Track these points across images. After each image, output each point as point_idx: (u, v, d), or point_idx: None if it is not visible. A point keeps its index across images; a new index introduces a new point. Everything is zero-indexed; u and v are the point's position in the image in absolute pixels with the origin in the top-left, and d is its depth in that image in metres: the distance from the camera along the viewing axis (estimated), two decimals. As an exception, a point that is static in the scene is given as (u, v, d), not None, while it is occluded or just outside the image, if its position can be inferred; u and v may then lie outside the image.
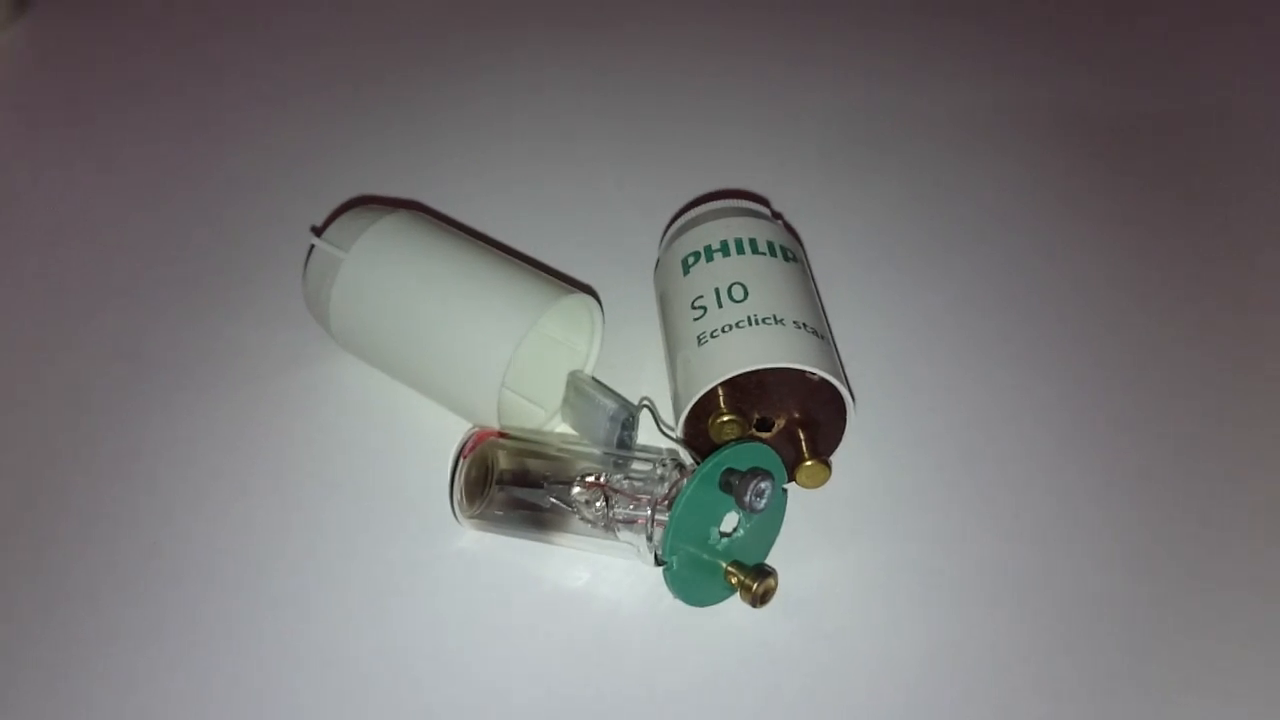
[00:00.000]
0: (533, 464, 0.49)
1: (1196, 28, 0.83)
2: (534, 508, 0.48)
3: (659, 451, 0.49)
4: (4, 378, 0.56)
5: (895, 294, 0.61)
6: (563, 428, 0.54)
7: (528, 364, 0.54)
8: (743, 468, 0.44)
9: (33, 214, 0.66)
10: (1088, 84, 0.77)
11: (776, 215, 0.58)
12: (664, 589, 0.45)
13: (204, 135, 0.72)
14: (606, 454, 0.49)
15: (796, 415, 0.49)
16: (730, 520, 0.46)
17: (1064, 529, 0.50)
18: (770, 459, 0.46)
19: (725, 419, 0.47)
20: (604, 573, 0.48)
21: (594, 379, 0.53)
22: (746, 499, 0.43)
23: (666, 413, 0.52)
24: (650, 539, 0.45)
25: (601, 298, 0.57)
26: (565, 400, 0.53)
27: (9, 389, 0.55)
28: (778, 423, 0.49)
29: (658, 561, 0.45)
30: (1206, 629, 0.46)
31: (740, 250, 0.52)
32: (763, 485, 0.43)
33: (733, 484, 0.44)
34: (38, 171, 0.70)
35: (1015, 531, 0.50)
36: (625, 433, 0.50)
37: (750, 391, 0.48)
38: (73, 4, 0.85)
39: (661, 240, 0.59)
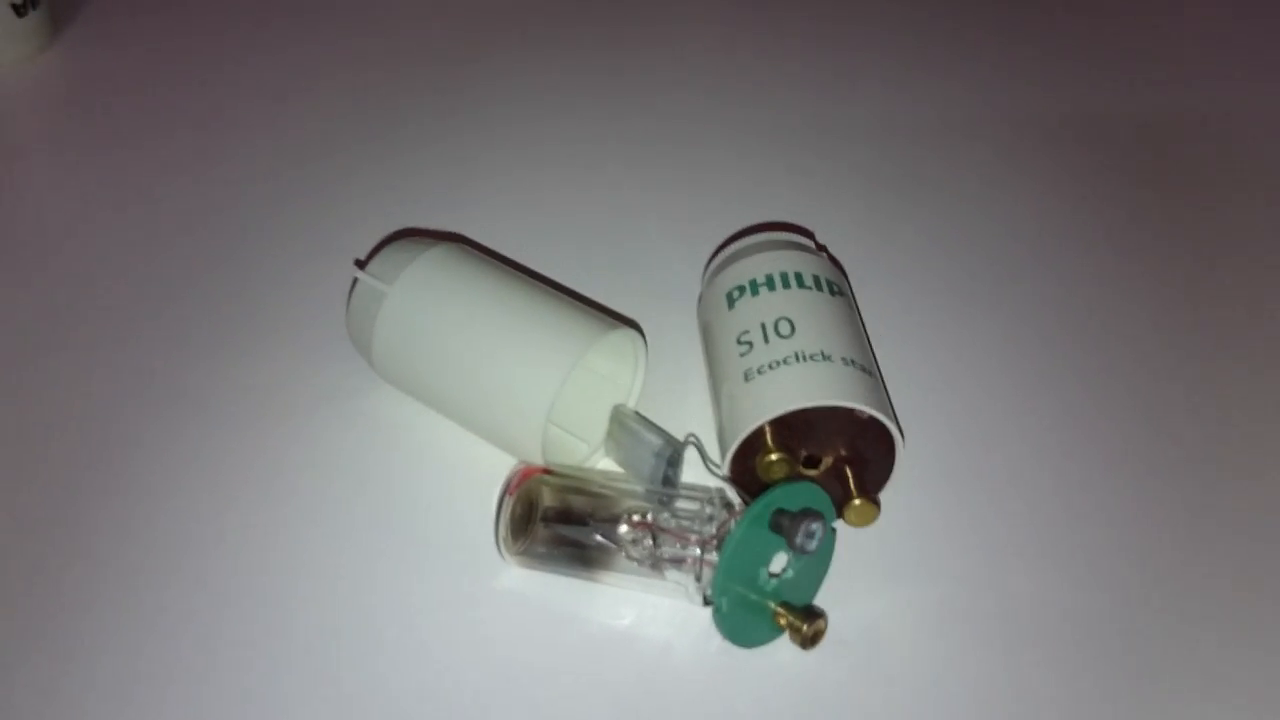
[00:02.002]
0: (577, 501, 0.49)
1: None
2: (579, 545, 0.48)
3: (705, 490, 0.48)
4: (40, 410, 0.56)
5: (942, 326, 0.61)
6: (605, 462, 0.53)
7: (571, 398, 0.54)
8: (793, 508, 0.44)
9: (66, 243, 0.67)
10: (1137, 103, 0.77)
11: (821, 247, 0.58)
12: (713, 630, 0.45)
13: (242, 165, 0.72)
14: (651, 491, 0.49)
15: (844, 453, 0.48)
16: (779, 560, 0.45)
17: (1119, 570, 0.49)
18: (820, 499, 0.46)
19: (774, 458, 0.47)
20: (651, 612, 0.47)
21: (638, 414, 0.52)
22: (797, 540, 0.43)
23: (711, 448, 0.51)
24: (699, 579, 0.45)
25: (644, 330, 0.57)
26: (609, 435, 0.52)
27: (45, 421, 0.55)
28: (825, 460, 0.48)
29: (706, 602, 0.45)
30: (1268, 673, 0.46)
31: (786, 285, 0.52)
32: (814, 527, 0.43)
33: (783, 525, 0.43)
34: (74, 200, 0.70)
35: (1068, 571, 0.49)
36: (670, 469, 0.49)
37: (798, 429, 0.47)
38: (106, 31, 0.85)
39: (704, 273, 0.59)
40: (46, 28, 0.82)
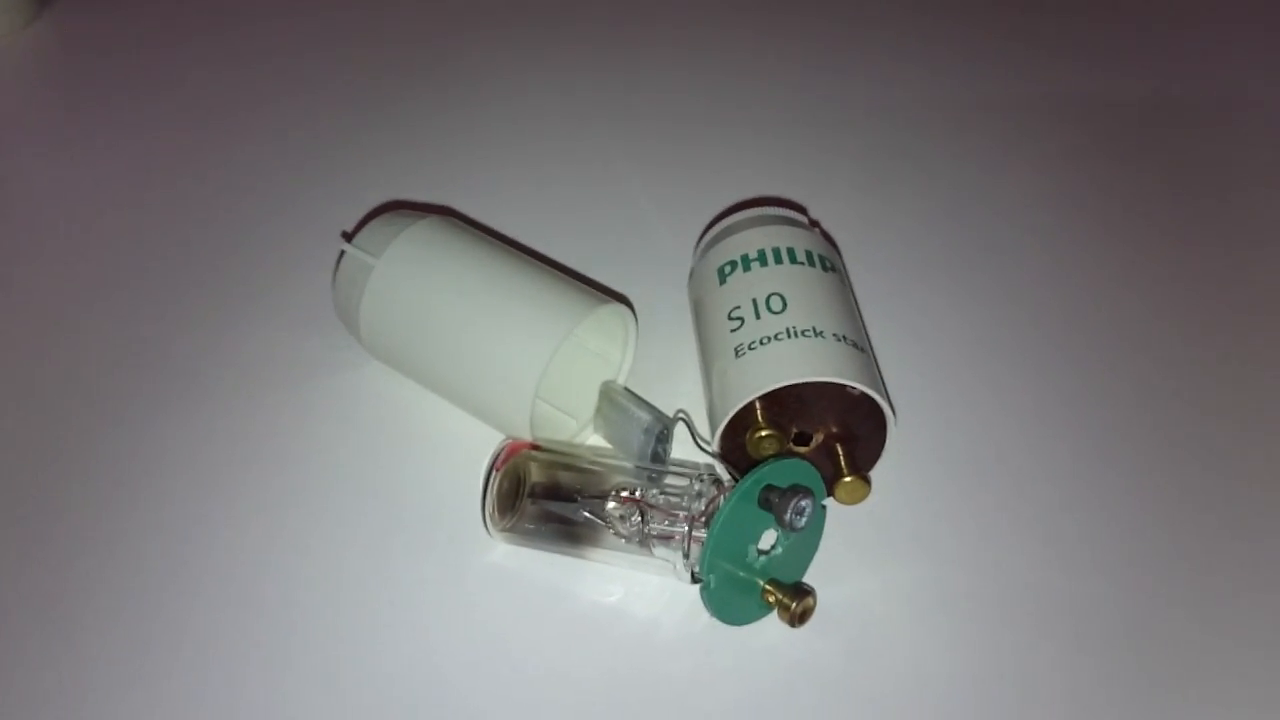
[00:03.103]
0: (565, 477, 0.48)
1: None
2: (567, 521, 0.47)
3: (695, 466, 0.48)
4: (28, 382, 0.56)
5: (936, 303, 0.60)
6: (595, 439, 0.53)
7: (560, 374, 0.53)
8: (783, 485, 0.43)
9: (56, 216, 0.66)
10: (1138, 84, 0.76)
11: (814, 223, 0.57)
12: (700, 607, 0.44)
13: (231, 137, 0.72)
14: (640, 467, 0.48)
15: (835, 430, 0.48)
16: (768, 538, 0.45)
17: (1105, 550, 0.49)
18: (810, 475, 0.45)
19: (764, 434, 0.46)
20: (638, 589, 0.47)
21: (627, 390, 0.52)
22: (787, 518, 0.42)
23: (702, 424, 0.51)
24: (687, 556, 0.45)
25: (634, 306, 0.56)
26: (598, 411, 0.52)
27: (32, 393, 0.55)
28: (816, 437, 0.48)
29: (694, 579, 0.44)
30: (1247, 657, 0.45)
31: (778, 260, 0.51)
32: (803, 504, 0.42)
33: (773, 502, 0.43)
34: (61, 172, 0.70)
35: (1058, 551, 0.49)
36: (659, 446, 0.49)
37: (789, 405, 0.47)
38: (93, 2, 0.84)
39: (696, 248, 0.58)
40: (33, 1, 0.81)
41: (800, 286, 0.50)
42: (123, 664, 0.45)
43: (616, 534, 0.46)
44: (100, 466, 0.52)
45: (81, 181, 0.69)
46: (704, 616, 0.45)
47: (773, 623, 0.45)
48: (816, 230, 0.56)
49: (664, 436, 0.49)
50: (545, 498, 0.48)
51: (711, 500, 0.45)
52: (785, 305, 0.49)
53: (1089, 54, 0.80)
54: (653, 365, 0.55)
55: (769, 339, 0.48)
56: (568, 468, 0.49)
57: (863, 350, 0.48)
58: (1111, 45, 0.81)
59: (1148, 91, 0.76)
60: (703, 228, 0.61)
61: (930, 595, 0.47)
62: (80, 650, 0.45)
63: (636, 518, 0.46)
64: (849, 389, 0.46)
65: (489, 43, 0.80)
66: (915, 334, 0.58)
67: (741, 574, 0.44)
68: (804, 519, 0.43)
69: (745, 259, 0.52)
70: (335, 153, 0.70)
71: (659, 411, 0.50)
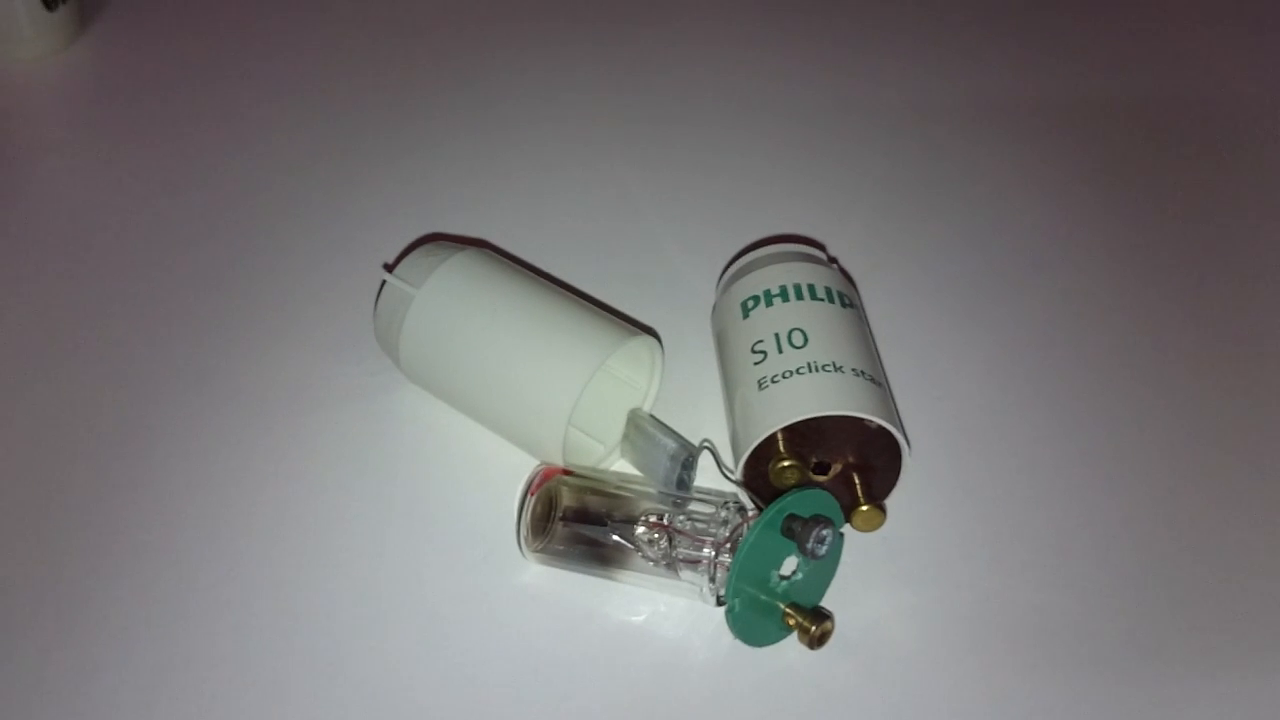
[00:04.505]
0: (595, 501, 0.51)
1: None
2: (596, 544, 0.49)
3: (720, 494, 0.50)
4: (68, 402, 0.58)
5: (947, 337, 0.62)
6: (620, 464, 0.55)
7: (589, 400, 0.55)
8: (804, 514, 0.46)
9: (96, 238, 0.68)
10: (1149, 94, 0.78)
11: (832, 259, 0.60)
12: (724, 629, 0.46)
13: (271, 163, 0.73)
14: (664, 493, 0.50)
15: (852, 460, 0.50)
16: (790, 564, 0.47)
17: (1118, 575, 0.51)
18: (830, 506, 0.47)
19: (786, 464, 0.49)
20: (664, 610, 0.49)
21: (654, 418, 0.54)
22: (809, 546, 0.45)
23: (724, 452, 0.53)
24: (713, 580, 0.47)
25: (659, 335, 0.59)
26: (625, 438, 0.54)
27: (74, 413, 0.57)
28: (834, 466, 0.50)
29: (719, 602, 0.47)
30: (1262, 684, 0.47)
31: (799, 296, 0.54)
32: (824, 533, 0.45)
33: (795, 530, 0.45)
34: (100, 194, 0.71)
35: (1066, 576, 0.51)
36: (685, 472, 0.51)
37: (809, 436, 0.49)
38: (133, 24, 0.86)
39: (718, 281, 0.60)
40: (75, 21, 0.84)
41: (821, 322, 0.52)
42: (158, 674, 0.47)
43: (645, 557, 0.48)
44: (139, 486, 0.54)
45: (121, 203, 0.70)
46: (727, 638, 0.47)
47: (792, 644, 0.47)
48: (835, 267, 0.58)
49: (689, 464, 0.51)
50: (576, 520, 0.50)
51: (736, 527, 0.47)
52: (806, 340, 0.51)
53: (1107, 63, 0.82)
54: (676, 393, 0.57)
55: (791, 373, 0.50)
56: (597, 492, 0.51)
57: (879, 385, 0.51)
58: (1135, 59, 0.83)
59: (1173, 115, 0.78)
60: (721, 259, 0.63)
61: (943, 619, 0.49)
62: (120, 659, 0.47)
63: (664, 542, 0.48)
64: (867, 422, 0.48)
65: (525, 84, 0.81)
66: (929, 367, 0.60)
67: (764, 598, 0.47)
68: (825, 547, 0.45)
69: (768, 294, 0.54)
70: (373, 182, 0.72)
71: (684, 439, 0.52)
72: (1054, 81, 0.82)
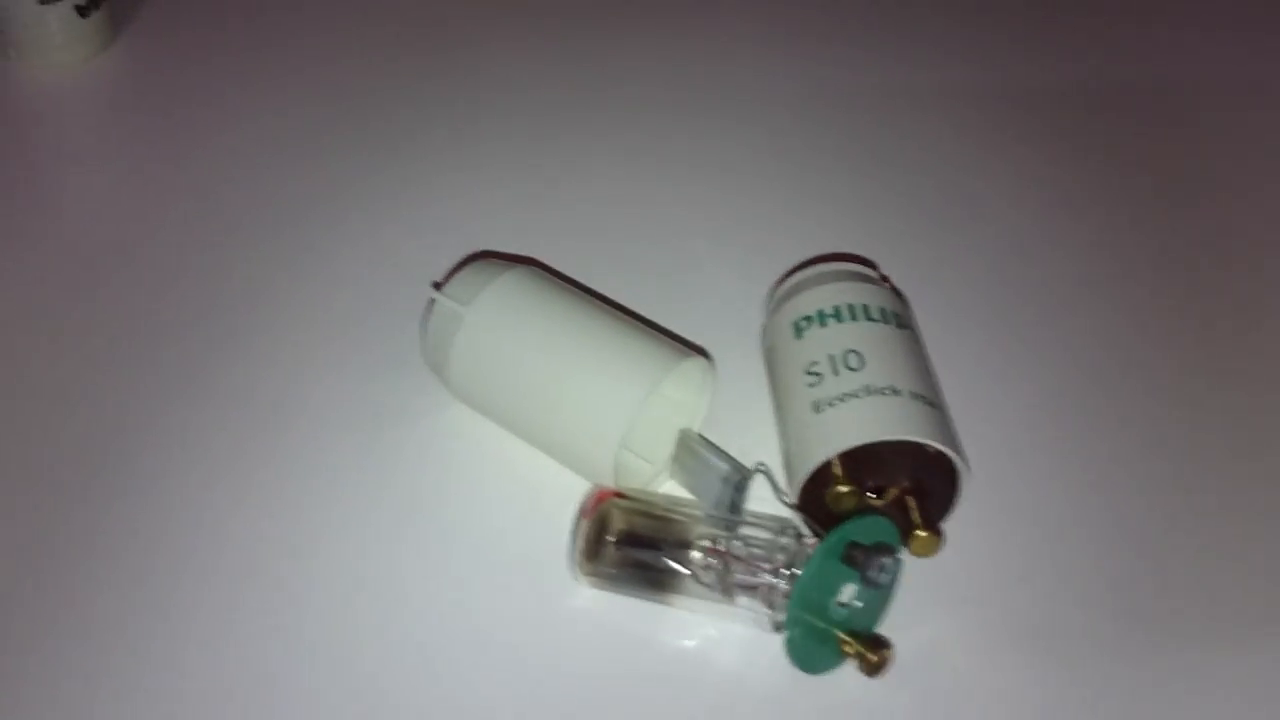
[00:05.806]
0: (648, 524, 0.50)
1: None
2: (650, 568, 0.49)
3: (776, 519, 0.49)
4: (116, 421, 0.57)
5: (1002, 356, 0.62)
6: (669, 485, 0.55)
7: (640, 421, 0.55)
8: (866, 542, 0.45)
9: (131, 245, 0.67)
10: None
11: (884, 278, 0.59)
12: (781, 656, 0.46)
13: (312, 177, 0.72)
14: (717, 516, 0.50)
15: (909, 484, 0.49)
16: (848, 590, 0.47)
17: (1177, 599, 0.51)
18: (890, 533, 0.47)
19: (843, 489, 0.48)
20: (720, 636, 0.49)
21: (705, 439, 0.53)
22: (870, 574, 0.44)
23: (777, 471, 0.52)
24: (771, 607, 0.46)
25: (708, 353, 0.58)
26: (675, 459, 0.53)
27: (122, 431, 0.57)
28: (890, 491, 0.50)
29: (777, 629, 0.46)
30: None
31: (854, 317, 0.53)
32: (886, 561, 0.44)
33: (856, 558, 0.45)
34: (137, 204, 0.70)
35: (1126, 601, 0.51)
36: (736, 495, 0.51)
37: (866, 461, 0.48)
38: (165, 30, 0.85)
39: (768, 300, 0.60)
40: (108, 28, 0.83)
41: (877, 344, 0.52)
42: (201, 688, 0.47)
43: (700, 582, 0.48)
44: (182, 508, 0.53)
45: (154, 214, 0.69)
46: (784, 665, 0.46)
47: (850, 673, 0.47)
48: (887, 285, 0.58)
49: (741, 486, 0.51)
50: (628, 544, 0.50)
51: (795, 553, 0.47)
52: (863, 363, 0.51)
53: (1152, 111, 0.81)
54: (724, 411, 0.57)
55: (847, 396, 0.50)
56: (650, 515, 0.50)
57: (937, 407, 0.50)
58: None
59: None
60: (771, 278, 0.62)
61: (1000, 643, 0.49)
62: (164, 672, 0.47)
63: (721, 567, 0.48)
64: (926, 447, 0.48)
65: (567, 100, 0.80)
66: (984, 387, 0.60)
67: (821, 625, 0.46)
68: (886, 575, 0.45)
69: (821, 314, 0.54)
70: (418, 199, 0.71)
71: (736, 461, 0.52)
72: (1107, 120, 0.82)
